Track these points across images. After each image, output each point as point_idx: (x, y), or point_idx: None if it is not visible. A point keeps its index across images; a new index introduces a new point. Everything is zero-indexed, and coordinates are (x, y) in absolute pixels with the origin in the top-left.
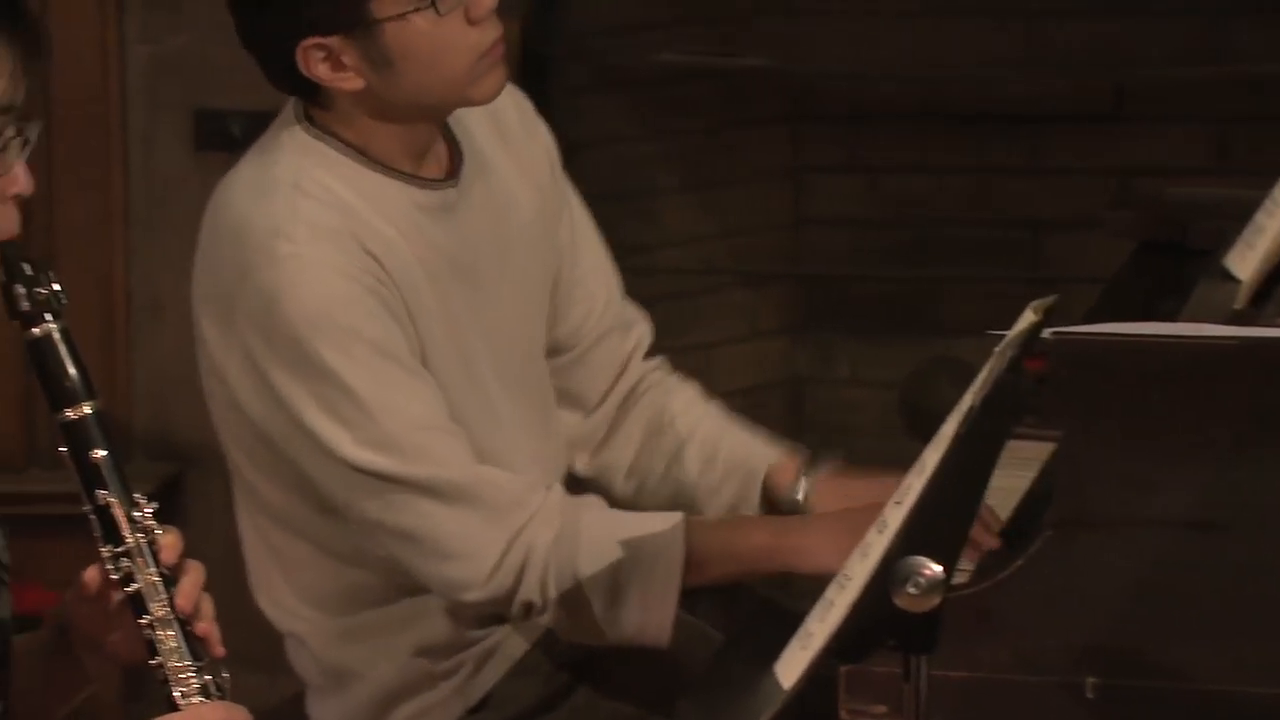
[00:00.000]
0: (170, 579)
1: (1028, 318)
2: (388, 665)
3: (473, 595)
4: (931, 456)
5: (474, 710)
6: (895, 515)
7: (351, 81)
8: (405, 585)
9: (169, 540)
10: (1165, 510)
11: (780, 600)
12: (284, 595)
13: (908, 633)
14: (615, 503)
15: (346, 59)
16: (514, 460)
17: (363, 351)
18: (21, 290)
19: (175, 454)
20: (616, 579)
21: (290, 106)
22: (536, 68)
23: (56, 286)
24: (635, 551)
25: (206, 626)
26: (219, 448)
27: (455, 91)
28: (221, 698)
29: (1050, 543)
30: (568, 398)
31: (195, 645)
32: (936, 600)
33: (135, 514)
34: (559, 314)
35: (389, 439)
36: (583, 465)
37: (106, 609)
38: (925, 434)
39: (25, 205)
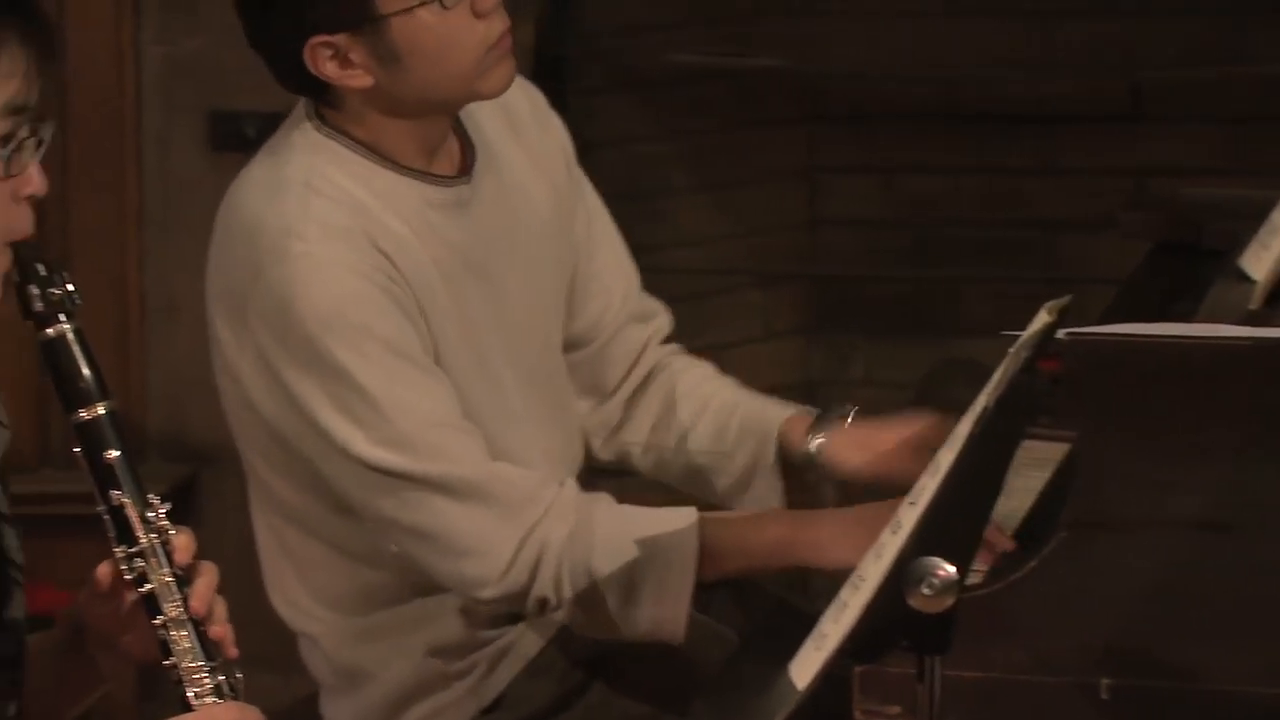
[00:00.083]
0: (184, 579)
1: (1042, 318)
2: (401, 665)
3: (487, 592)
4: (946, 457)
5: (488, 710)
6: (909, 516)
7: (360, 79)
8: (419, 585)
9: (182, 541)
10: (1180, 511)
11: (794, 600)
12: (298, 595)
13: (922, 633)
14: (655, 494)
15: (354, 56)
16: (529, 455)
17: (375, 349)
18: (36, 291)
19: (189, 455)
20: (631, 574)
21: (301, 106)
22: (551, 68)
23: (70, 287)
24: (650, 547)
25: (220, 630)
26: (233, 448)
27: (464, 85)
28: (235, 698)
29: (1064, 543)
30: (585, 387)
31: (209, 646)
32: (950, 601)
33: (149, 515)
34: (576, 308)
35: (402, 437)
36: (601, 448)
37: (120, 609)
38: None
39: (40, 206)
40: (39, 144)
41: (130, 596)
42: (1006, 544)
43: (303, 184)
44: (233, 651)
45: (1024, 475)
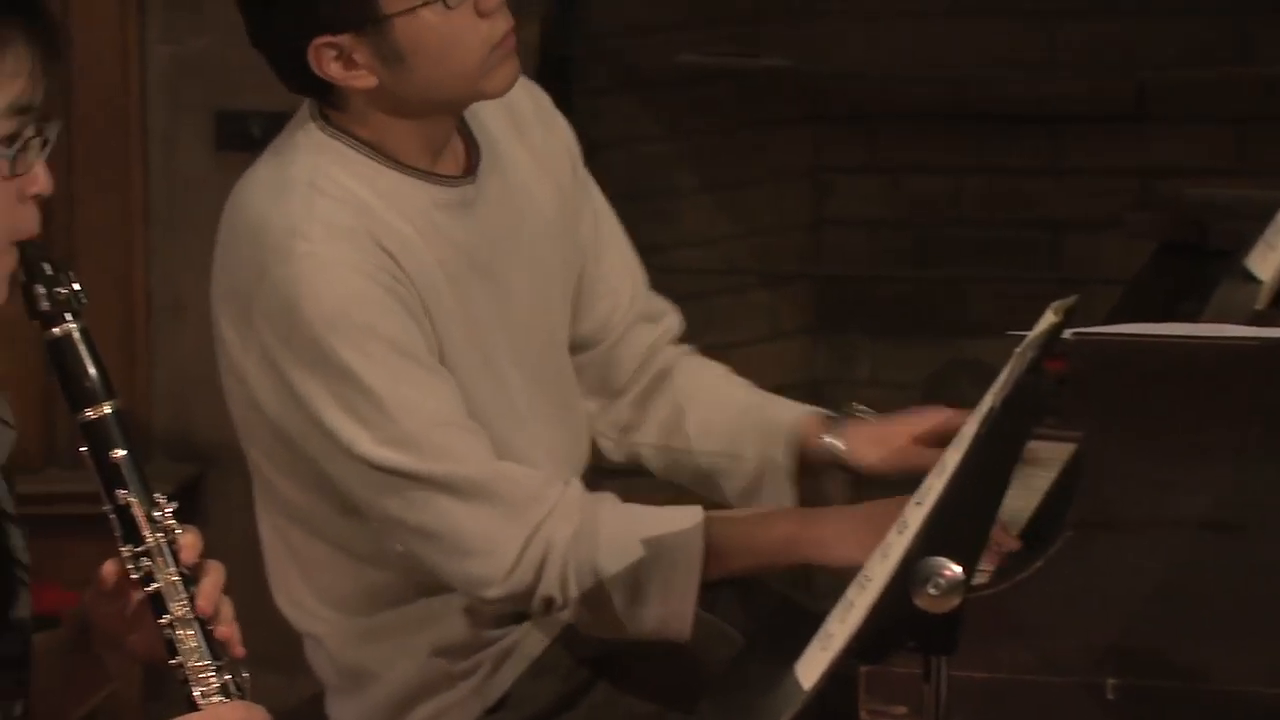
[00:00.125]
0: (190, 579)
1: (1048, 318)
2: (406, 665)
3: (493, 591)
4: (952, 457)
5: (492, 710)
6: (916, 516)
7: (364, 79)
8: (423, 585)
9: (189, 540)
10: (1186, 511)
11: (800, 600)
12: (303, 596)
13: (928, 633)
14: (660, 493)
15: (358, 56)
16: (535, 455)
17: (380, 349)
18: (42, 290)
19: (195, 454)
20: (637, 573)
21: (306, 106)
22: (556, 69)
23: (76, 286)
24: (656, 545)
25: (227, 630)
26: (239, 448)
27: (468, 85)
28: (241, 697)
29: (1070, 543)
30: (594, 388)
31: (215, 645)
32: (957, 601)
33: (155, 514)
34: (584, 309)
35: (407, 437)
36: (612, 448)
37: (126, 608)
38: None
39: (45, 205)
40: (44, 143)
41: (136, 595)
42: (1012, 544)
43: (307, 184)
44: (239, 650)
45: (1031, 475)
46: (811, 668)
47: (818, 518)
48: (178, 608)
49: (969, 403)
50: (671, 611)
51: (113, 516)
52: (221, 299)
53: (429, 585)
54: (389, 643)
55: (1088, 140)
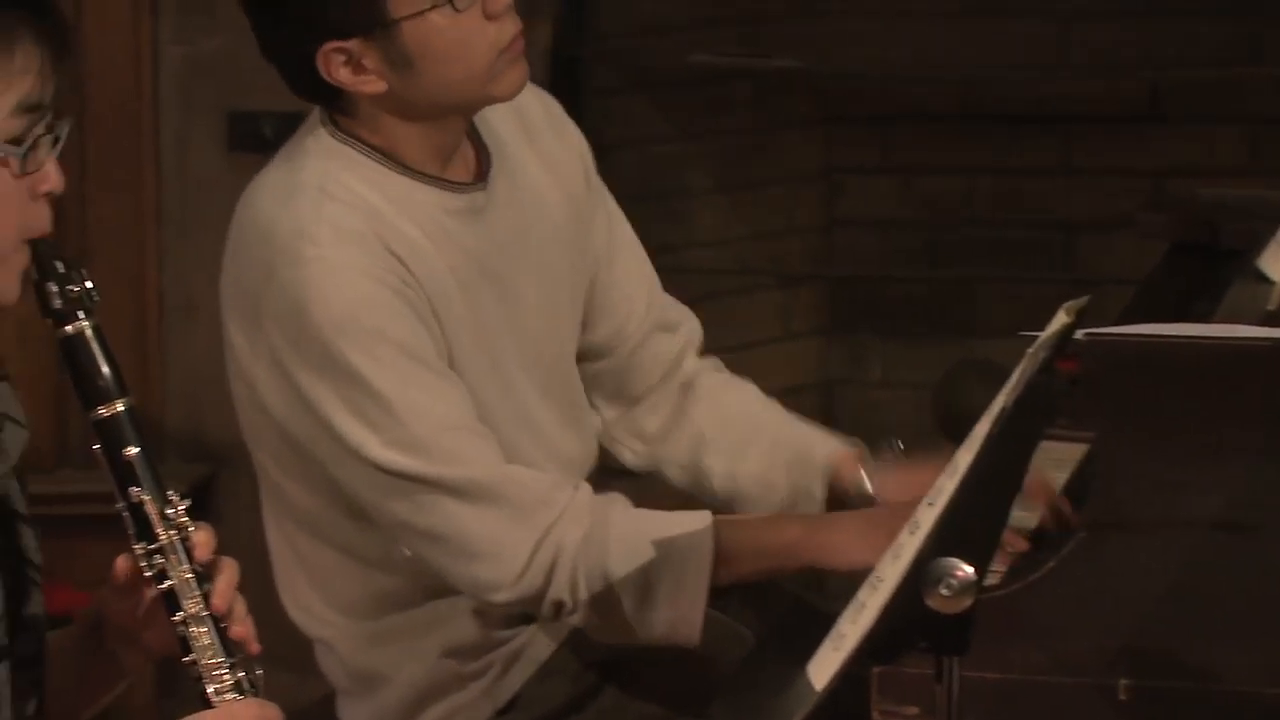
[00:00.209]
0: (204, 576)
1: (1060, 319)
2: (416, 668)
3: (502, 595)
4: (964, 458)
5: (502, 712)
6: (928, 516)
7: (373, 84)
8: (431, 588)
9: (202, 537)
10: (1198, 511)
11: (811, 600)
12: (311, 601)
13: (940, 634)
14: (671, 493)
15: (367, 61)
16: (544, 459)
17: (388, 353)
18: (54, 288)
19: (208, 455)
20: (647, 577)
21: (316, 111)
22: (567, 69)
23: (89, 284)
24: (666, 550)
25: (241, 630)
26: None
27: (477, 88)
28: (255, 694)
29: (1083, 544)
30: (610, 395)
31: (228, 642)
32: (969, 601)
33: (168, 511)
34: (598, 317)
35: (416, 440)
36: (634, 457)
37: (139, 605)
38: (957, 436)
39: (58, 206)
40: (55, 141)
41: (150, 593)
42: (1020, 545)
43: (317, 188)
44: (255, 647)
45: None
46: (823, 668)
47: (826, 521)
48: (191, 605)
49: (980, 404)
50: (681, 616)
51: (126, 514)
52: (230, 303)
53: (437, 588)
54: (398, 646)
55: (1100, 141)
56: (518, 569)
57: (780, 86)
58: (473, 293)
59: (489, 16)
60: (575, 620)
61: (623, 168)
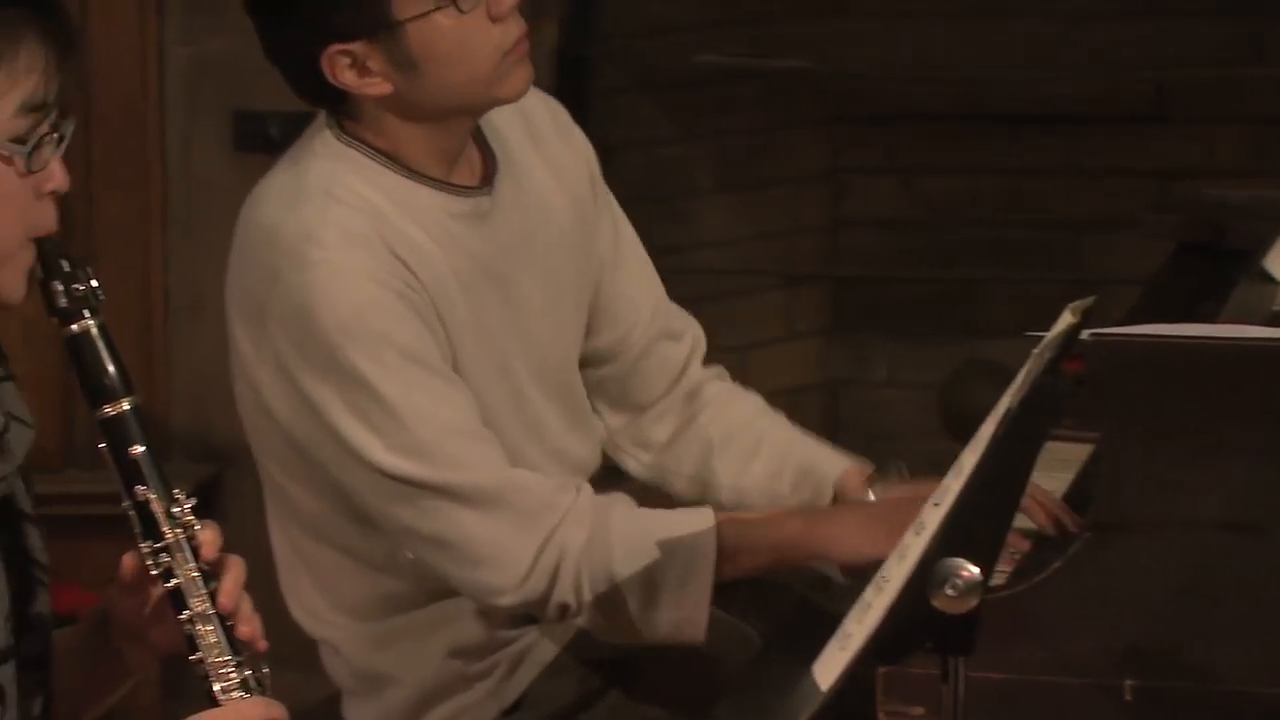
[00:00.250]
0: (210, 574)
1: (1066, 319)
2: (421, 669)
3: (506, 600)
4: (969, 458)
5: (509, 712)
6: (933, 517)
7: (379, 86)
8: (436, 590)
9: (208, 536)
10: (1204, 512)
11: (818, 600)
12: (315, 603)
13: (945, 634)
14: (676, 504)
15: (372, 64)
16: (549, 462)
17: (394, 357)
18: (59, 286)
19: (213, 454)
20: (651, 577)
21: (323, 114)
22: (573, 69)
23: (94, 283)
24: (669, 549)
25: (248, 630)
26: None
27: (482, 90)
28: (262, 693)
29: (1088, 544)
30: (615, 403)
31: (235, 640)
32: (974, 602)
33: (174, 510)
34: (603, 323)
35: (419, 445)
36: (640, 466)
37: (146, 602)
38: (962, 436)
39: (64, 206)
40: (60, 140)
41: (156, 591)
42: (1021, 545)
43: (323, 192)
44: (262, 645)
45: (1048, 477)
46: (829, 668)
47: (826, 515)
48: (197, 603)
49: (985, 404)
50: (685, 616)
51: (132, 513)
52: (236, 306)
53: (442, 590)
54: (403, 647)
55: (1105, 141)
56: (521, 573)
57: (785, 87)
58: (477, 296)
59: (494, 18)
60: (580, 622)
61: (628, 168)
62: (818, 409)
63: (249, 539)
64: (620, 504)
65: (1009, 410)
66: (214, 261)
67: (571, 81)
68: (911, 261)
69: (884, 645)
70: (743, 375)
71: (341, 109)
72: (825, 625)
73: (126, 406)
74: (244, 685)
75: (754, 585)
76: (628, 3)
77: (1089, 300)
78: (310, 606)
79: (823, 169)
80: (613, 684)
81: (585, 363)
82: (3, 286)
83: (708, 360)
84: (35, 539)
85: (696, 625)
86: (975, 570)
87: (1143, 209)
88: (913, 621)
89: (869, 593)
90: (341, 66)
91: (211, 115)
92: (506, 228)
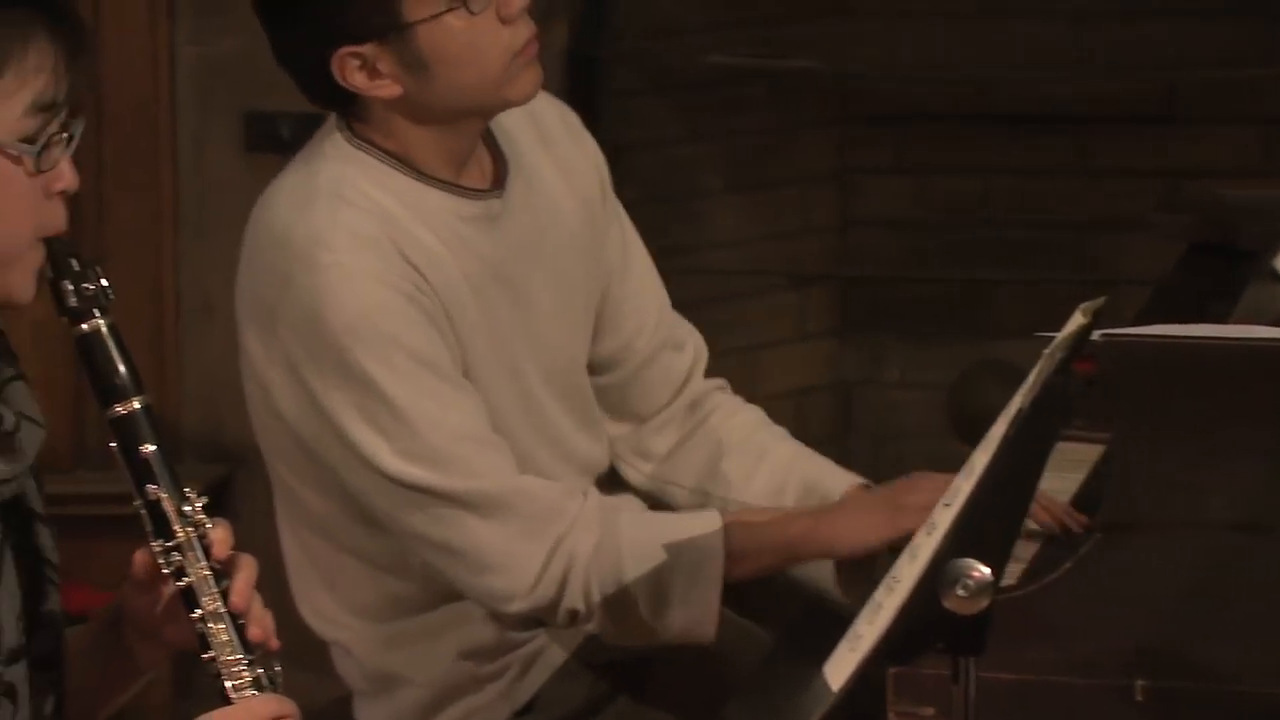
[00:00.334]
0: (221, 573)
1: (1077, 320)
2: (433, 670)
3: (516, 606)
4: (980, 459)
5: (521, 713)
6: (944, 517)
7: (389, 88)
8: (446, 591)
9: (220, 534)
10: (1214, 512)
11: (829, 601)
12: (326, 605)
13: (956, 635)
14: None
15: (382, 66)
16: (562, 463)
17: (403, 361)
18: (69, 286)
19: (224, 455)
20: (660, 581)
21: (333, 116)
22: (584, 70)
23: (104, 282)
24: (677, 552)
25: (259, 632)
26: None
27: (492, 92)
28: (274, 690)
29: (1099, 545)
30: (618, 411)
31: (247, 638)
32: (985, 602)
33: (185, 508)
34: (609, 329)
35: (427, 451)
36: (641, 478)
37: (158, 601)
38: (973, 436)
39: (75, 207)
40: (70, 140)
41: (168, 589)
42: (1080, 519)
43: (333, 194)
44: (274, 643)
45: (1059, 477)
46: (840, 669)
47: (831, 511)
48: (209, 602)
49: (996, 404)
50: (695, 617)
51: (143, 512)
52: (246, 309)
53: (452, 592)
54: (414, 648)
55: (1116, 141)
56: (530, 580)
57: (796, 87)
58: (487, 299)
59: (504, 20)
60: (590, 627)
61: (638, 168)
62: (827, 409)
63: (260, 540)
64: (628, 508)
65: (1020, 411)
66: (225, 263)
67: (582, 82)
68: (921, 262)
69: (895, 646)
70: (753, 376)
71: (351, 111)
72: (836, 625)
73: (137, 405)
74: (256, 683)
75: (764, 586)
76: (638, 4)
77: (1100, 301)
78: (320, 608)
79: (833, 169)
80: (624, 687)
81: (589, 370)
82: (12, 286)
83: (719, 358)
84: (46, 539)
85: (706, 626)
86: (986, 571)
87: (1153, 209)
88: (924, 622)
89: (880, 593)
90: (351, 68)
91: (223, 116)
92: (517, 230)
